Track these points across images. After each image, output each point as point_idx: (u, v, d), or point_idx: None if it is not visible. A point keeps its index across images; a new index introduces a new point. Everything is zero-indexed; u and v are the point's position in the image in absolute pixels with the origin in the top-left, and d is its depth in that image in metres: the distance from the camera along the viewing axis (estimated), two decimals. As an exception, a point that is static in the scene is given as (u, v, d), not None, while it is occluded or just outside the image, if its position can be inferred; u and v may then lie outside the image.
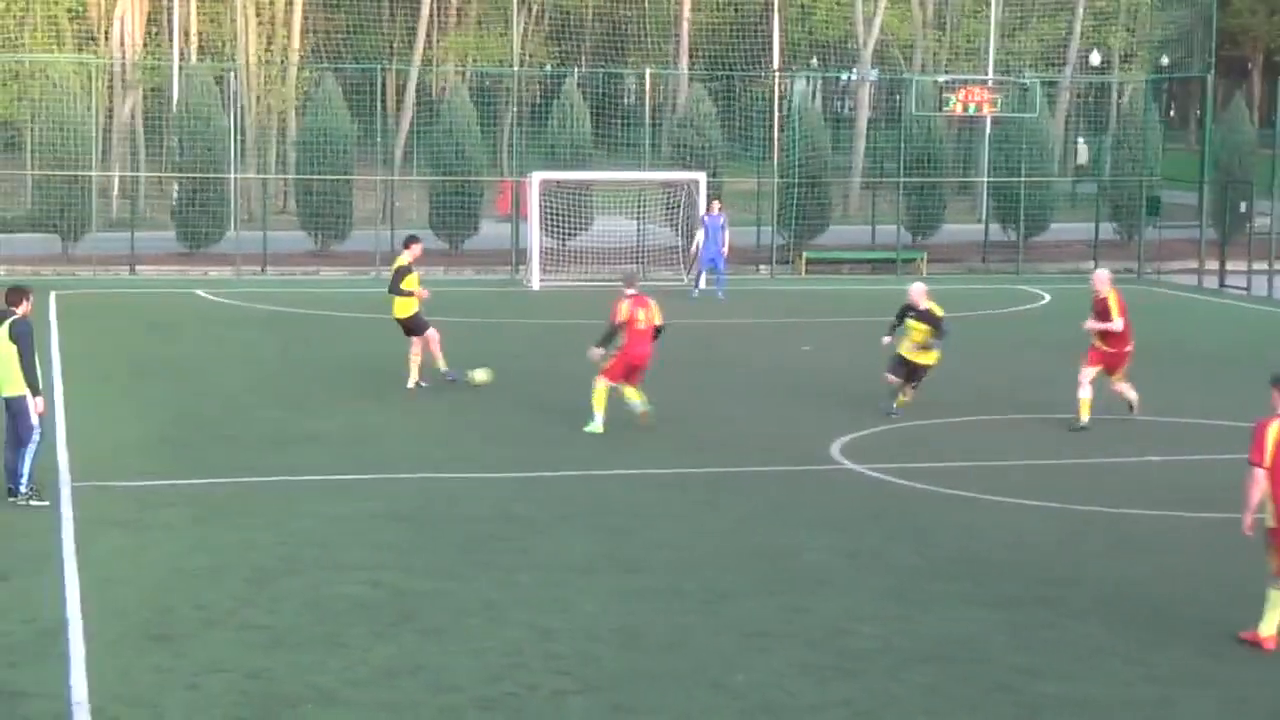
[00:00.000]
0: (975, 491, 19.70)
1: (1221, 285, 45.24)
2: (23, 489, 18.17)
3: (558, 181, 45.25)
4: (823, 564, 16.49)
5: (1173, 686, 13.12)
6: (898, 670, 13.34)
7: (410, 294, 25.99)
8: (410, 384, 25.99)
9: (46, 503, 18.25)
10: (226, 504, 18.57)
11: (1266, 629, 14.01)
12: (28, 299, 18.54)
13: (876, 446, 22.38)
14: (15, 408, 18.22)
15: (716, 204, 41.88)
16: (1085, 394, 23.53)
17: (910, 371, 24.24)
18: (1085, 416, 23.46)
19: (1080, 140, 64.82)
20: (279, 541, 16.93)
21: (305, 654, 13.41)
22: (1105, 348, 24.02)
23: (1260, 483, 13.68)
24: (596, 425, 22.62)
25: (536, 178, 43.60)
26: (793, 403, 22.49)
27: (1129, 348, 24.08)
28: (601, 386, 22.72)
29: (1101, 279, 24.43)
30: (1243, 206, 47.88)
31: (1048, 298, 41.49)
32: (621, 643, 13.88)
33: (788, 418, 23.63)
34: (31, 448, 18.23)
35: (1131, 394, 24.24)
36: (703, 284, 41.19)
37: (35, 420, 18.24)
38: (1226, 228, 47.28)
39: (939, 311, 24.03)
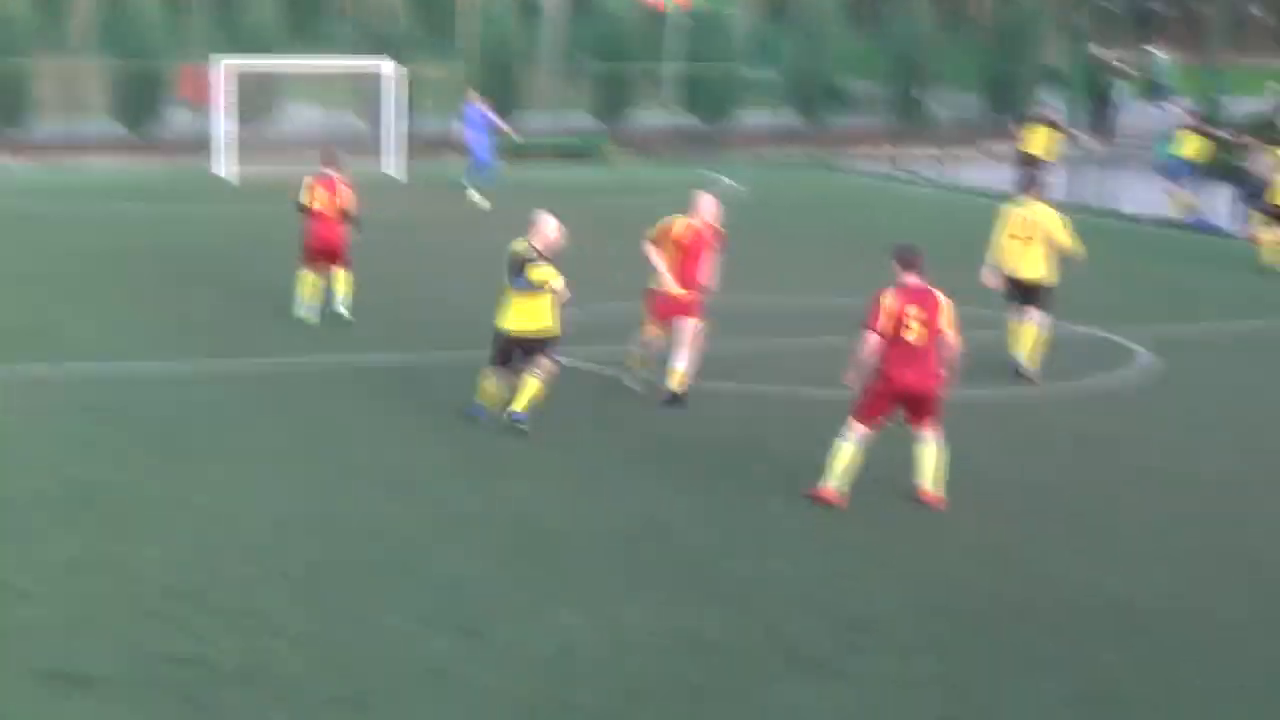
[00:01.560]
0: (661, 377, 20.04)
1: (899, 171, 46.42)
2: None
3: (245, 68, 44.44)
4: (514, 450, 16.69)
5: (851, 560, 13.62)
6: (588, 550, 13.62)
7: None
8: None
9: None
10: (-98, 399, 18.10)
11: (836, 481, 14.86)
12: None
13: (566, 333, 22.55)
14: None
15: (475, 94, 39.97)
16: (677, 362, 18.69)
17: (513, 351, 17.53)
18: (660, 378, 18.99)
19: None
20: (-42, 436, 16.59)
21: (-12, 549, 13.21)
22: (682, 292, 18.54)
23: (872, 345, 14.84)
24: (298, 310, 22.81)
25: (223, 63, 42.74)
26: (489, 290, 22.39)
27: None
28: (300, 272, 22.93)
29: (715, 205, 18.86)
30: (920, 96, 49.04)
31: (737, 185, 42.07)
32: (313, 530, 13.92)
33: (483, 306, 23.70)
34: None
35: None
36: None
37: None
38: (905, 116, 48.41)
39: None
